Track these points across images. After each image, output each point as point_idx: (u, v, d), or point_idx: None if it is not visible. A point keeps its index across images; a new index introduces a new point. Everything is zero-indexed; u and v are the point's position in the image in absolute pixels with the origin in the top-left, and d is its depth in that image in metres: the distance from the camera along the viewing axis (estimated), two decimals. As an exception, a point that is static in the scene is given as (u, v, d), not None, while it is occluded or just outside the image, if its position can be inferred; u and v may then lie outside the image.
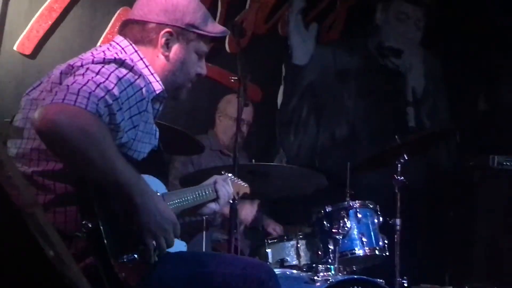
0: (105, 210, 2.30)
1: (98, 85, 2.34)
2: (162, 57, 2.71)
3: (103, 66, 2.44)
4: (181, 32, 2.72)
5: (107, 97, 2.33)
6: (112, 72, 2.42)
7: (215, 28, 2.81)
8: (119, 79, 2.42)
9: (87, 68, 2.42)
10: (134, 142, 2.53)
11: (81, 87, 2.30)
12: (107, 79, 2.38)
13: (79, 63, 2.47)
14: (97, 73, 2.39)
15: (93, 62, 2.46)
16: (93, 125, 2.27)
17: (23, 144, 2.46)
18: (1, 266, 1.40)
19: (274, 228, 4.95)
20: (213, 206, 3.07)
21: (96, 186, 2.30)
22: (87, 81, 2.34)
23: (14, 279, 1.41)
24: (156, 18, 2.69)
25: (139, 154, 2.58)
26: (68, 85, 2.32)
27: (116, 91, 2.37)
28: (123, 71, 2.47)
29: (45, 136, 2.26)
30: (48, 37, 4.84)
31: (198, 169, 4.54)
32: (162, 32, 2.69)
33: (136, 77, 2.50)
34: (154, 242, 2.39)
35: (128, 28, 2.72)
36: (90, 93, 2.29)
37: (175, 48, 2.72)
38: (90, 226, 2.24)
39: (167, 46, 2.70)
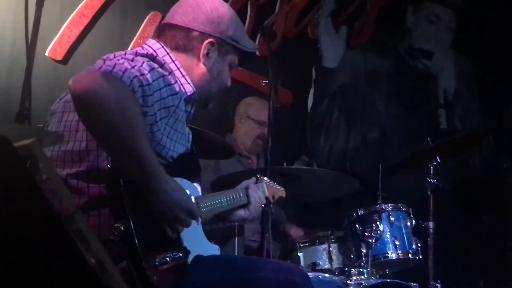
0: (136, 210, 2.29)
1: (133, 67, 2.38)
2: (201, 66, 2.72)
3: (136, 56, 2.50)
4: (223, 44, 2.74)
5: (141, 78, 2.37)
6: (144, 61, 2.47)
7: (251, 43, 2.87)
8: (152, 68, 2.46)
9: (121, 57, 2.46)
10: (162, 137, 2.52)
11: (117, 63, 2.35)
12: (141, 66, 2.42)
13: (112, 56, 2.50)
14: (131, 60, 2.44)
15: (126, 54, 2.51)
16: (129, 98, 2.29)
17: (57, 147, 2.47)
18: (42, 274, 1.39)
19: (296, 231, 4.89)
20: (242, 213, 3.06)
21: (120, 162, 2.30)
22: (123, 62, 2.39)
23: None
24: (201, 27, 2.71)
25: (167, 152, 2.57)
26: (104, 59, 2.38)
27: (149, 77, 2.41)
28: (155, 64, 2.52)
29: (80, 98, 2.26)
30: (79, 43, 4.88)
31: (230, 173, 4.51)
32: (206, 42, 2.71)
33: (167, 73, 2.54)
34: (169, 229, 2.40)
35: (167, 32, 2.72)
36: (126, 69, 2.34)
37: (215, 59, 2.74)
38: (122, 229, 2.23)
39: (207, 56, 2.71)
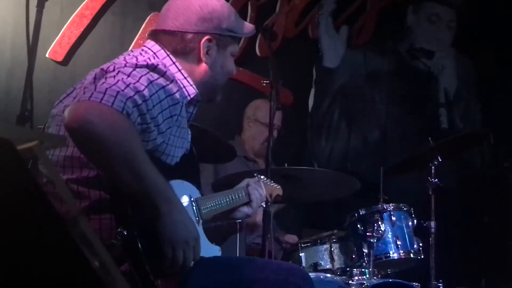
0: (138, 217, 2.29)
1: (127, 85, 2.34)
2: (203, 65, 2.71)
3: (134, 69, 2.45)
4: (220, 38, 2.72)
5: (136, 97, 2.33)
6: (143, 75, 2.43)
7: (247, 28, 2.84)
8: (150, 81, 2.42)
9: (119, 71, 2.43)
10: (167, 146, 2.53)
11: (110, 86, 2.31)
12: (137, 81, 2.38)
13: (112, 68, 2.47)
14: (128, 75, 2.40)
15: (125, 66, 2.47)
16: (122, 124, 2.27)
17: (57, 151, 2.46)
18: (44, 277, 1.39)
19: (291, 237, 4.85)
20: (246, 209, 3.06)
21: (125, 189, 2.29)
22: (117, 81, 2.35)
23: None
24: (195, 28, 2.68)
25: (172, 159, 2.58)
26: (96, 85, 2.34)
27: (146, 93, 2.37)
28: (155, 75, 2.47)
29: (75, 133, 2.26)
30: (80, 44, 4.88)
31: (230, 174, 4.52)
32: (203, 41, 2.68)
33: (168, 82, 2.50)
34: (171, 254, 2.34)
35: (162, 38, 2.69)
36: (118, 92, 2.30)
37: (215, 54, 2.72)
38: (125, 233, 2.23)
39: (208, 53, 2.70)
